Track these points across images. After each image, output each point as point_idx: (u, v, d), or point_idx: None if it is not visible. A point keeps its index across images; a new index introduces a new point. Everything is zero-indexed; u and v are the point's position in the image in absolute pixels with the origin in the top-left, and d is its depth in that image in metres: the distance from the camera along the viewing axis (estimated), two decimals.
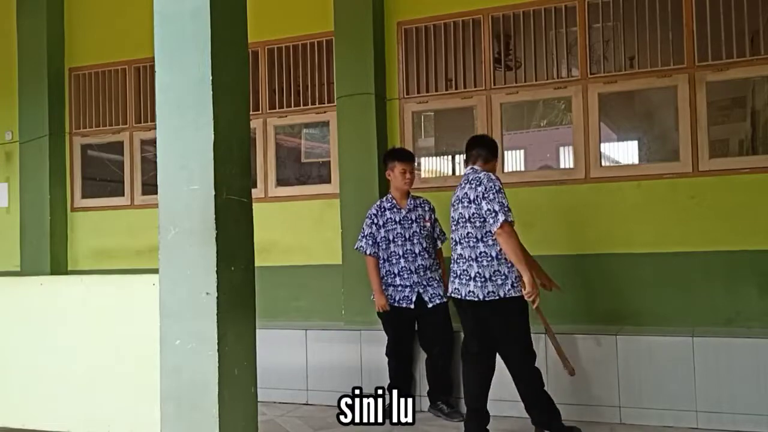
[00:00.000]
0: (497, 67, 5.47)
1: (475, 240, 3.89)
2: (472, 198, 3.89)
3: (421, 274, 4.66)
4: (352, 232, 5.46)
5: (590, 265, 5.03)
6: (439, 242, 4.82)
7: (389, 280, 4.71)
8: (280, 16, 6.03)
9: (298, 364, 5.25)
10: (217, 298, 2.56)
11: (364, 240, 4.76)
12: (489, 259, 3.87)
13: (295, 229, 5.93)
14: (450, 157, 7.60)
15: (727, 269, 4.73)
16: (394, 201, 4.75)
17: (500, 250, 3.84)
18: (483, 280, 3.87)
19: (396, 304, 4.69)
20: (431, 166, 7.32)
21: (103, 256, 6.61)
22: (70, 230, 6.78)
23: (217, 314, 2.56)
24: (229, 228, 2.64)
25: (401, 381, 4.70)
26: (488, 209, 3.80)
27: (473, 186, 3.90)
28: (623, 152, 8.19)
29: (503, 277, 3.86)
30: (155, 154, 2.73)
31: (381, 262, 4.74)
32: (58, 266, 6.61)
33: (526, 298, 3.81)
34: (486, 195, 3.81)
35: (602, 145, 5.21)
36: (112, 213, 6.66)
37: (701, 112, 4.85)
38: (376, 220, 4.75)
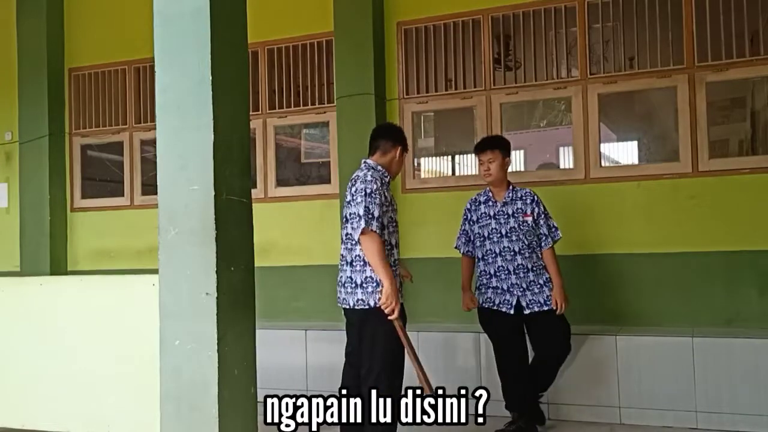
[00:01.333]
0: (497, 68, 5.47)
1: (353, 242, 3.52)
2: (348, 199, 3.56)
3: (521, 275, 4.14)
4: None
5: (590, 266, 5.03)
6: (543, 242, 4.20)
7: (484, 281, 4.27)
8: (280, 17, 6.03)
9: (298, 365, 5.25)
10: (217, 298, 2.56)
11: (458, 238, 4.39)
12: (362, 264, 3.50)
13: (294, 229, 5.93)
14: (450, 157, 7.60)
15: (727, 269, 4.73)
16: (490, 194, 4.27)
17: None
18: (354, 286, 3.52)
19: (495, 308, 4.21)
20: (431, 166, 7.32)
21: (103, 256, 6.61)
22: (70, 230, 6.78)
23: (216, 314, 2.56)
24: (229, 228, 2.64)
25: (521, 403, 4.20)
26: (353, 213, 3.47)
27: (352, 183, 3.58)
28: (623, 152, 8.19)
29: (374, 284, 3.46)
30: (155, 155, 2.73)
31: (476, 260, 4.32)
32: (58, 267, 6.61)
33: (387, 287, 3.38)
34: (354, 197, 3.48)
35: (602, 145, 5.21)
36: (111, 213, 6.66)
37: (701, 112, 4.85)
38: (469, 216, 4.33)
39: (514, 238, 4.14)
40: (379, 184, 3.50)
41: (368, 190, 3.43)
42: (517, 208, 4.17)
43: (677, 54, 4.94)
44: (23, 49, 6.67)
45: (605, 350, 4.49)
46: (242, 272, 2.72)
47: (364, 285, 3.49)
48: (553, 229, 4.22)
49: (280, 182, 6.13)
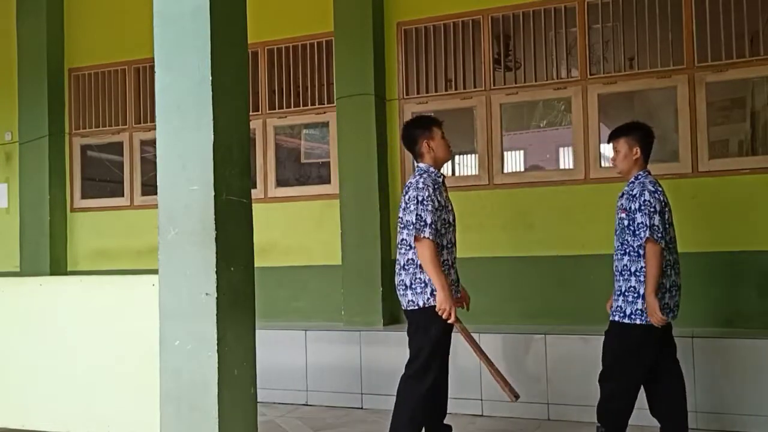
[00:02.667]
0: (497, 68, 5.47)
1: (406, 247, 3.60)
2: (402, 205, 3.61)
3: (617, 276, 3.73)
4: (351, 232, 5.47)
5: (590, 266, 5.02)
6: (636, 238, 3.54)
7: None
8: (280, 17, 6.03)
9: (298, 365, 5.25)
10: (217, 298, 2.56)
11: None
12: (414, 266, 3.56)
13: (294, 229, 5.93)
14: None
15: (727, 269, 4.73)
16: None
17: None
18: (404, 288, 3.60)
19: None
20: None
21: (103, 256, 6.60)
22: (70, 231, 6.78)
23: (216, 315, 2.56)
24: (229, 228, 2.64)
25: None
26: (408, 220, 3.53)
27: (406, 189, 3.63)
28: None
29: (422, 284, 3.54)
30: (155, 155, 2.73)
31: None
32: (58, 267, 6.61)
33: (442, 305, 3.48)
34: (408, 205, 3.54)
35: (602, 145, 5.21)
36: (111, 213, 6.66)
37: (701, 112, 4.85)
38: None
39: (615, 235, 3.74)
40: (431, 190, 3.54)
41: (420, 198, 3.50)
42: (620, 205, 3.70)
43: (677, 54, 4.94)
44: (23, 49, 6.67)
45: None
46: (242, 272, 2.72)
47: (413, 286, 3.56)
48: (644, 230, 3.50)
49: (280, 182, 6.13)
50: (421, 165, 3.73)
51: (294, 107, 6.04)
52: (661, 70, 4.96)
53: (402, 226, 3.60)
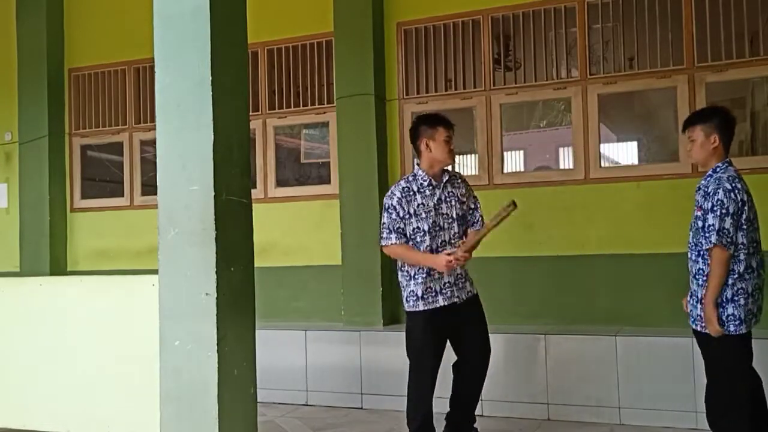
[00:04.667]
0: (497, 68, 5.47)
1: None
2: None
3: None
4: (351, 232, 5.47)
5: (590, 266, 5.03)
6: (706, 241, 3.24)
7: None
8: (280, 17, 6.03)
9: (298, 365, 5.25)
10: (217, 298, 2.56)
11: None
12: (400, 267, 3.78)
13: (294, 229, 5.93)
14: None
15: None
16: None
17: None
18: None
19: None
20: None
21: (103, 256, 6.60)
22: (70, 231, 6.78)
23: (216, 315, 2.56)
24: (229, 229, 2.64)
25: None
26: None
27: None
28: (623, 153, 8.18)
29: (402, 288, 3.74)
30: (155, 155, 2.73)
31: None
32: (58, 267, 6.61)
33: (442, 270, 3.57)
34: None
35: (602, 145, 5.21)
36: (111, 213, 6.66)
37: None
38: None
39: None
40: (395, 200, 3.64)
41: (385, 205, 3.67)
42: (696, 200, 3.37)
43: (677, 54, 4.94)
44: (23, 49, 6.67)
45: (605, 350, 4.48)
46: (242, 272, 2.72)
47: (400, 287, 3.75)
48: (711, 231, 3.21)
49: (280, 182, 6.13)
50: (415, 167, 3.79)
51: (294, 107, 6.04)
52: (661, 70, 4.96)
53: None
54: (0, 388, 3.34)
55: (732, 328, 3.22)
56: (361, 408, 5.01)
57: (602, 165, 5.18)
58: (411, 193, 3.65)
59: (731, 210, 3.19)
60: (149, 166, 6.47)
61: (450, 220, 3.72)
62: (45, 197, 6.58)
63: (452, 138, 3.74)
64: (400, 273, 3.74)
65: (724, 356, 3.28)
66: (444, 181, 3.75)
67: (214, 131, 2.60)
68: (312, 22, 5.90)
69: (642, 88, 5.12)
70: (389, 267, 5.52)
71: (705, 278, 3.27)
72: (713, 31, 4.84)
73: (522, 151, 8.74)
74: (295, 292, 5.86)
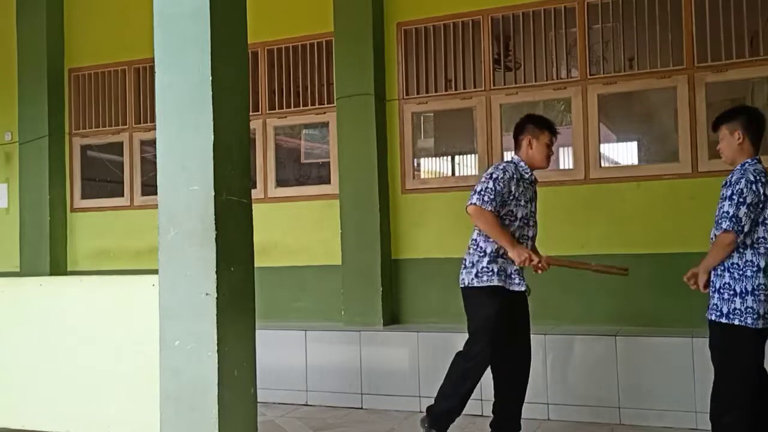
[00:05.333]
0: (497, 68, 5.47)
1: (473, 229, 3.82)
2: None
3: None
4: (351, 232, 5.47)
5: None
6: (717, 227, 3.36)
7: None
8: (280, 17, 6.03)
9: (298, 365, 5.25)
10: (217, 298, 2.56)
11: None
12: (474, 247, 3.76)
13: (294, 229, 5.93)
14: (449, 158, 7.59)
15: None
16: None
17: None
18: (463, 266, 3.81)
19: None
20: (431, 167, 7.31)
21: (103, 256, 6.60)
22: (70, 231, 6.78)
23: (216, 315, 2.56)
24: (229, 229, 2.64)
25: None
26: (475, 189, 3.69)
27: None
28: (623, 153, 8.18)
29: (470, 264, 3.75)
30: (155, 155, 2.73)
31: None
32: (58, 267, 6.61)
33: (517, 259, 3.61)
34: (481, 178, 3.71)
35: (602, 145, 5.21)
36: (111, 214, 6.66)
37: (700, 113, 4.85)
38: None
39: None
40: (509, 175, 3.64)
41: (494, 176, 3.63)
42: (721, 193, 3.45)
43: (677, 55, 4.94)
44: (23, 49, 6.67)
45: (605, 350, 4.49)
46: (242, 273, 2.72)
47: (467, 266, 3.75)
48: (725, 218, 3.30)
49: (280, 182, 6.13)
50: (515, 156, 3.83)
51: (294, 107, 6.04)
52: (661, 70, 4.97)
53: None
54: (0, 388, 3.34)
55: (749, 321, 3.21)
56: (361, 408, 5.01)
57: (602, 165, 5.18)
58: (518, 177, 3.70)
59: (749, 200, 3.23)
60: (149, 166, 6.47)
61: (534, 219, 3.81)
62: (45, 197, 6.58)
63: (553, 146, 3.85)
64: (475, 253, 3.72)
65: (736, 349, 3.27)
66: (534, 180, 3.85)
67: (214, 131, 2.60)
68: (312, 22, 5.90)
69: (642, 89, 5.12)
70: (389, 267, 5.53)
71: (722, 268, 3.32)
72: (713, 31, 4.84)
73: None
74: (295, 292, 5.86)
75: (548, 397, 4.55)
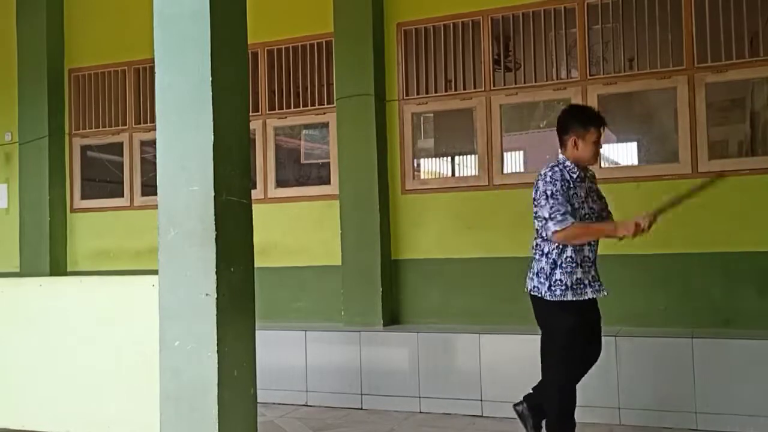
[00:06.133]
0: (497, 69, 5.47)
1: (535, 236, 3.65)
2: (534, 196, 3.59)
3: None
4: (351, 233, 5.47)
5: None
6: None
7: None
8: (280, 17, 6.03)
9: (298, 366, 5.25)
10: (217, 299, 2.56)
11: None
12: (540, 254, 3.60)
13: (294, 230, 5.93)
14: (449, 158, 7.59)
15: (727, 270, 4.73)
16: None
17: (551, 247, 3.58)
18: (532, 272, 3.64)
19: None
20: (430, 167, 7.31)
21: (103, 257, 6.60)
22: (70, 231, 6.78)
23: (216, 315, 2.56)
24: (229, 229, 2.64)
25: None
26: (539, 215, 3.52)
27: (536, 181, 3.58)
28: (622, 153, 8.18)
29: (544, 277, 3.56)
30: (155, 155, 2.73)
31: None
32: (58, 267, 6.61)
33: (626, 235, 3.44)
34: (539, 200, 3.51)
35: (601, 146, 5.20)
36: (111, 214, 6.66)
37: (700, 113, 4.85)
38: None
39: None
40: (558, 185, 3.48)
41: (549, 193, 3.46)
42: None
43: (677, 55, 4.94)
44: (23, 49, 6.67)
45: (605, 350, 4.46)
46: (242, 273, 2.72)
47: (539, 274, 3.57)
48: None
49: (280, 183, 6.13)
50: (559, 156, 3.67)
51: (294, 108, 6.04)
52: (661, 70, 4.97)
53: (534, 217, 3.59)
54: (0, 388, 3.34)
55: None
56: (361, 408, 5.01)
57: (602, 165, 5.18)
58: (566, 180, 3.54)
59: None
60: (149, 166, 6.47)
61: (594, 215, 3.63)
62: (45, 198, 6.58)
63: (602, 137, 3.62)
64: (543, 259, 3.57)
65: None
66: (587, 174, 3.68)
67: (214, 131, 2.60)
68: (312, 23, 5.90)
69: (642, 89, 5.12)
70: (389, 267, 5.53)
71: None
72: (713, 31, 4.84)
73: (522, 152, 8.73)
74: (295, 293, 5.86)
75: None
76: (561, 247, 3.51)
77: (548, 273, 3.55)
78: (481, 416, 4.68)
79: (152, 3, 2.75)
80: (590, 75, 5.15)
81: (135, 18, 6.20)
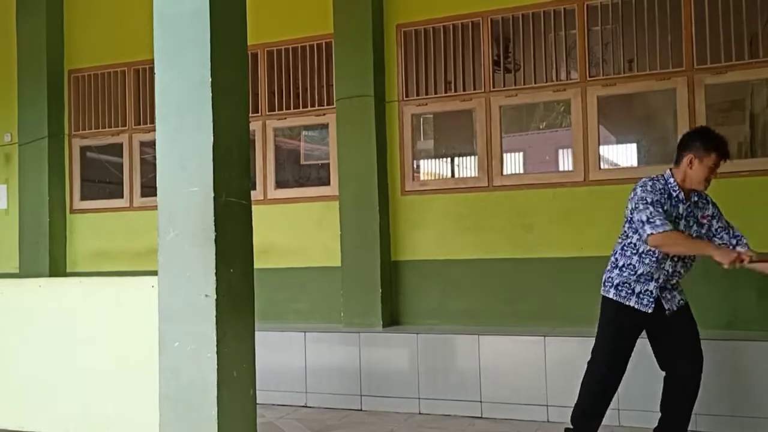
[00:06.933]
0: (496, 70, 5.47)
1: (619, 242, 3.71)
2: (629, 207, 3.60)
3: None
4: (351, 234, 5.47)
5: (589, 268, 5.01)
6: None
7: None
8: (280, 18, 6.03)
9: (297, 366, 5.24)
10: (216, 300, 2.56)
11: None
12: (612, 265, 3.75)
13: (294, 231, 5.93)
14: (449, 159, 7.59)
15: (726, 272, 4.70)
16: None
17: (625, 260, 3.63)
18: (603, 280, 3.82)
19: None
20: (430, 168, 7.32)
21: (102, 258, 6.60)
22: (69, 232, 6.78)
23: (216, 316, 2.56)
24: (229, 230, 2.64)
25: None
26: (638, 219, 3.50)
27: (634, 187, 3.60)
28: (622, 155, 8.19)
29: (610, 284, 3.73)
30: (154, 156, 2.74)
31: None
32: (57, 268, 6.61)
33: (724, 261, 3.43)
34: (637, 205, 3.50)
35: (601, 147, 5.21)
36: (111, 215, 6.66)
37: (700, 114, 4.85)
38: None
39: None
40: (658, 196, 3.48)
41: (648, 200, 3.46)
42: None
43: (676, 56, 4.94)
44: (23, 50, 6.67)
45: None
46: (241, 274, 2.72)
47: (606, 283, 3.73)
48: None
49: (280, 184, 6.13)
50: (666, 171, 3.65)
51: (294, 109, 6.04)
52: (661, 72, 4.97)
53: (627, 221, 3.60)
54: (0, 389, 3.34)
55: None
56: (361, 410, 5.01)
57: (602, 167, 5.18)
58: (665, 193, 3.54)
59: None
60: (149, 167, 6.47)
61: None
62: (44, 198, 6.58)
63: (718, 167, 3.57)
64: (620, 260, 3.64)
65: None
66: (693, 200, 3.64)
67: (213, 132, 2.60)
68: (312, 24, 5.91)
69: (641, 90, 5.12)
70: (389, 268, 5.53)
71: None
72: (712, 33, 4.84)
73: (521, 153, 8.74)
74: (294, 294, 5.86)
75: (547, 399, 4.55)
76: (642, 258, 3.55)
77: (615, 274, 3.67)
78: (481, 417, 4.68)
79: (152, 3, 2.76)
80: (590, 76, 5.16)
81: (135, 19, 6.19)
